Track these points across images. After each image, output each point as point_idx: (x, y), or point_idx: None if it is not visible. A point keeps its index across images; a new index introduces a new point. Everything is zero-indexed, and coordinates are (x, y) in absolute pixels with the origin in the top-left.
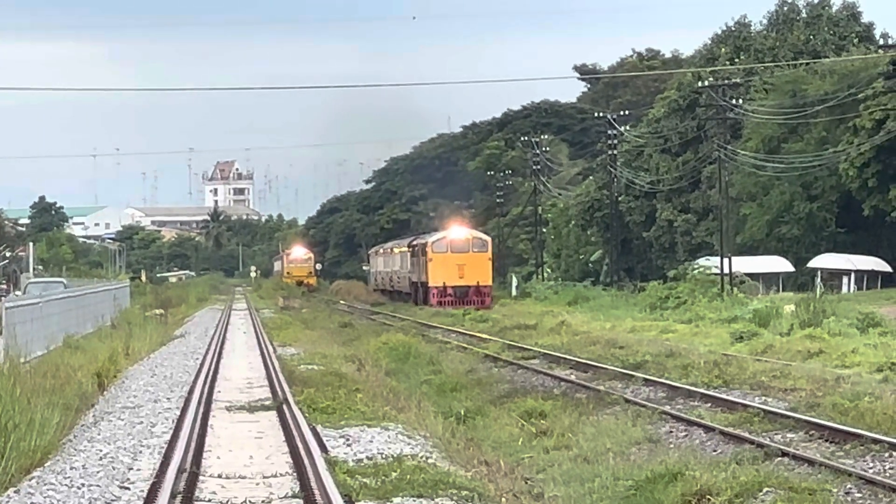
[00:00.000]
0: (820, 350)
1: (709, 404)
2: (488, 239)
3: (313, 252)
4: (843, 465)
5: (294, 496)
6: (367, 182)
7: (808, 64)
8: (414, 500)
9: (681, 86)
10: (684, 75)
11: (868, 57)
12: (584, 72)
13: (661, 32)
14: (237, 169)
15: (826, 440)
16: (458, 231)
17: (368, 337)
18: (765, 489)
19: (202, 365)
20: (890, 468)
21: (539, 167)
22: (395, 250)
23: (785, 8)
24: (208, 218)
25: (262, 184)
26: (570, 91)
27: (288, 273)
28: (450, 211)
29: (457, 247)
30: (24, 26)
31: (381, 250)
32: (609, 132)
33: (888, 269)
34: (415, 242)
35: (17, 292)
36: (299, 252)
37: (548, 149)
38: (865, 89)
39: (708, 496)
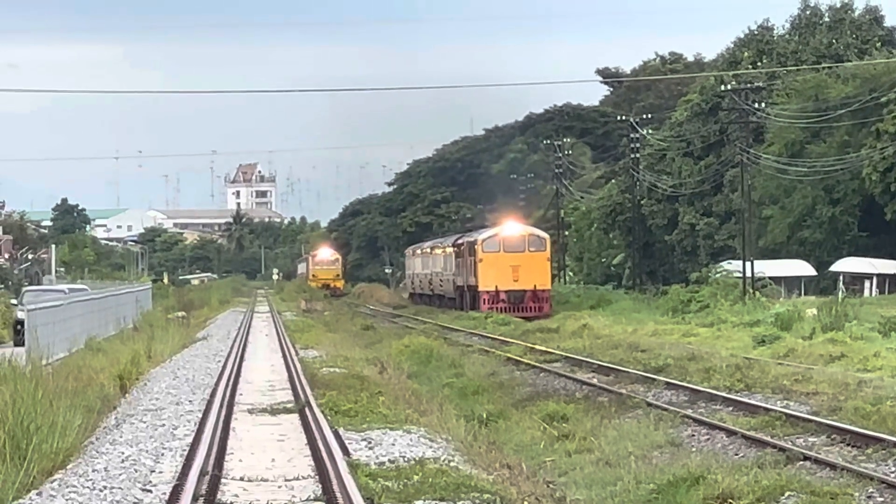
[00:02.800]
0: (842, 354)
1: (731, 408)
2: (546, 236)
3: (340, 253)
4: (864, 470)
5: (316, 499)
6: (390, 185)
7: (830, 68)
8: None
9: (703, 89)
10: (707, 79)
11: (891, 61)
12: (607, 75)
13: (684, 36)
14: (259, 171)
15: (848, 444)
16: (511, 227)
17: (390, 340)
18: (787, 493)
19: (224, 367)
20: None
21: (561, 170)
22: (437, 250)
23: (808, 12)
24: (231, 220)
25: (284, 186)
26: (592, 94)
27: (314, 276)
28: (472, 214)
29: (510, 245)
30: (44, 28)
31: (419, 250)
32: (631, 135)
33: None
34: (461, 241)
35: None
36: (326, 253)
37: (570, 152)
38: (888, 93)
39: (730, 500)
